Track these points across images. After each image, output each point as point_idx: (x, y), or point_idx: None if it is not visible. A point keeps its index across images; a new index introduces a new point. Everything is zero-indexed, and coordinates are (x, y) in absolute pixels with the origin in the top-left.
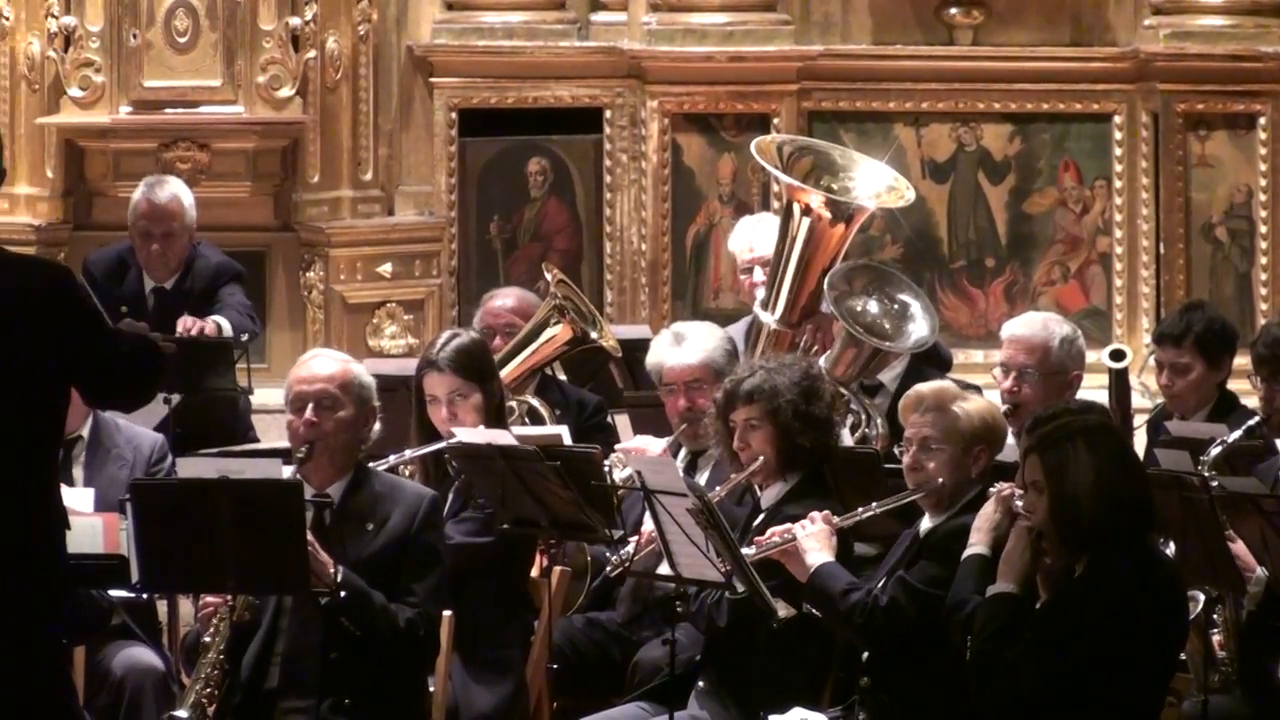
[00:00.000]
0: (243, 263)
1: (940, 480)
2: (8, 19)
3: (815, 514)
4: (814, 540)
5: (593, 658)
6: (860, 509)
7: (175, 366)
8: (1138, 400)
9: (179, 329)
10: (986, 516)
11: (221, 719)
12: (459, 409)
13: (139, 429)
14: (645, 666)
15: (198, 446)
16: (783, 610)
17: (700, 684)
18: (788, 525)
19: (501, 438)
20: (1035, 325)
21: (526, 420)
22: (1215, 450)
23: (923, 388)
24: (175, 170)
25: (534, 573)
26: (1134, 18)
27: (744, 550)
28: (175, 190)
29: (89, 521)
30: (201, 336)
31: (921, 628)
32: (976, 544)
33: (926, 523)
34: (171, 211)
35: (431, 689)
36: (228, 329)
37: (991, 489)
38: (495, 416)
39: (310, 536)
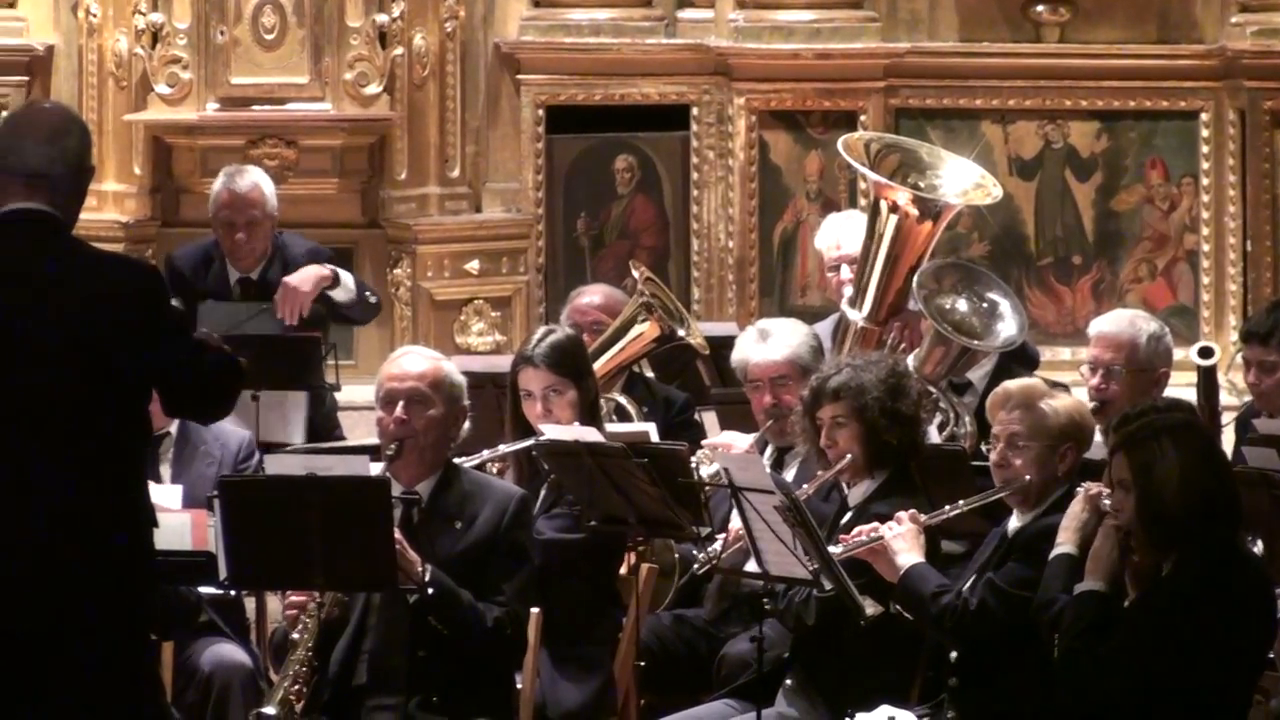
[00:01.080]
0: None
1: (1027, 477)
2: (95, 16)
3: (902, 514)
4: (903, 541)
5: (680, 654)
6: (947, 507)
7: (264, 363)
8: (1225, 398)
9: (289, 283)
10: (1074, 515)
11: (309, 716)
12: (554, 405)
13: (227, 426)
14: (731, 661)
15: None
16: (870, 608)
17: (788, 681)
18: (875, 525)
19: (589, 435)
20: (1122, 323)
21: (614, 417)
22: None
23: (1010, 385)
24: (262, 167)
25: (622, 570)
26: (1221, 15)
27: (831, 549)
28: (255, 179)
29: (177, 518)
30: (292, 333)
31: (1010, 629)
32: (1064, 543)
33: (1014, 522)
34: (253, 200)
35: (520, 685)
36: (350, 282)
37: (1079, 488)
38: (590, 413)
39: (398, 534)
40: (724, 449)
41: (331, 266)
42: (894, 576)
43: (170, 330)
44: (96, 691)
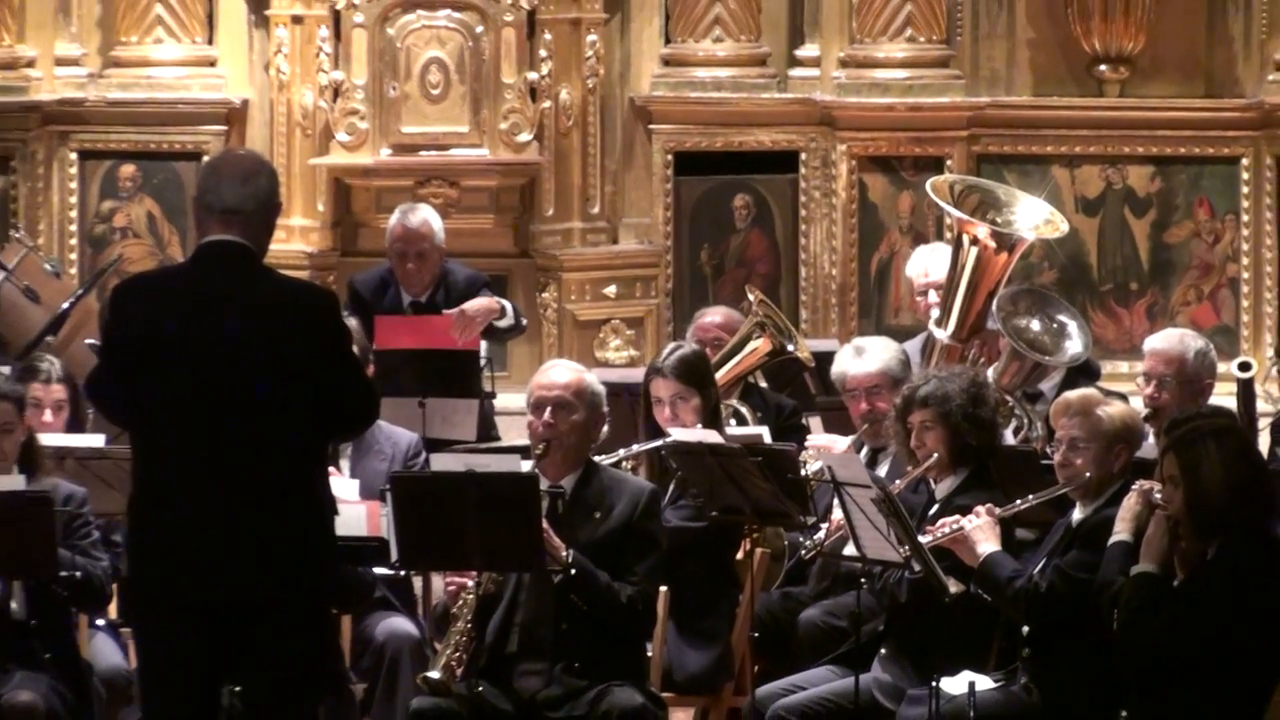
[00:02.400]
0: None
1: (1087, 475)
2: (284, 73)
3: (980, 508)
4: (982, 532)
5: (789, 627)
6: (1019, 501)
7: (430, 373)
8: (1261, 405)
9: (466, 309)
10: (1129, 508)
11: (467, 679)
12: (680, 410)
13: (397, 429)
14: (807, 626)
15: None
16: (953, 587)
17: (882, 650)
18: (957, 517)
19: (711, 437)
20: (1173, 340)
21: (732, 421)
22: None
23: (1070, 395)
24: (429, 204)
25: (739, 554)
26: (1259, 73)
27: (921, 538)
28: (425, 215)
29: (355, 509)
30: (455, 349)
31: (1075, 607)
32: (1121, 532)
33: (1077, 514)
34: (423, 234)
35: (650, 653)
36: (510, 311)
37: (1133, 486)
38: (711, 418)
39: (545, 523)
40: (826, 449)
41: (497, 298)
42: (974, 562)
43: (342, 349)
44: (287, 658)
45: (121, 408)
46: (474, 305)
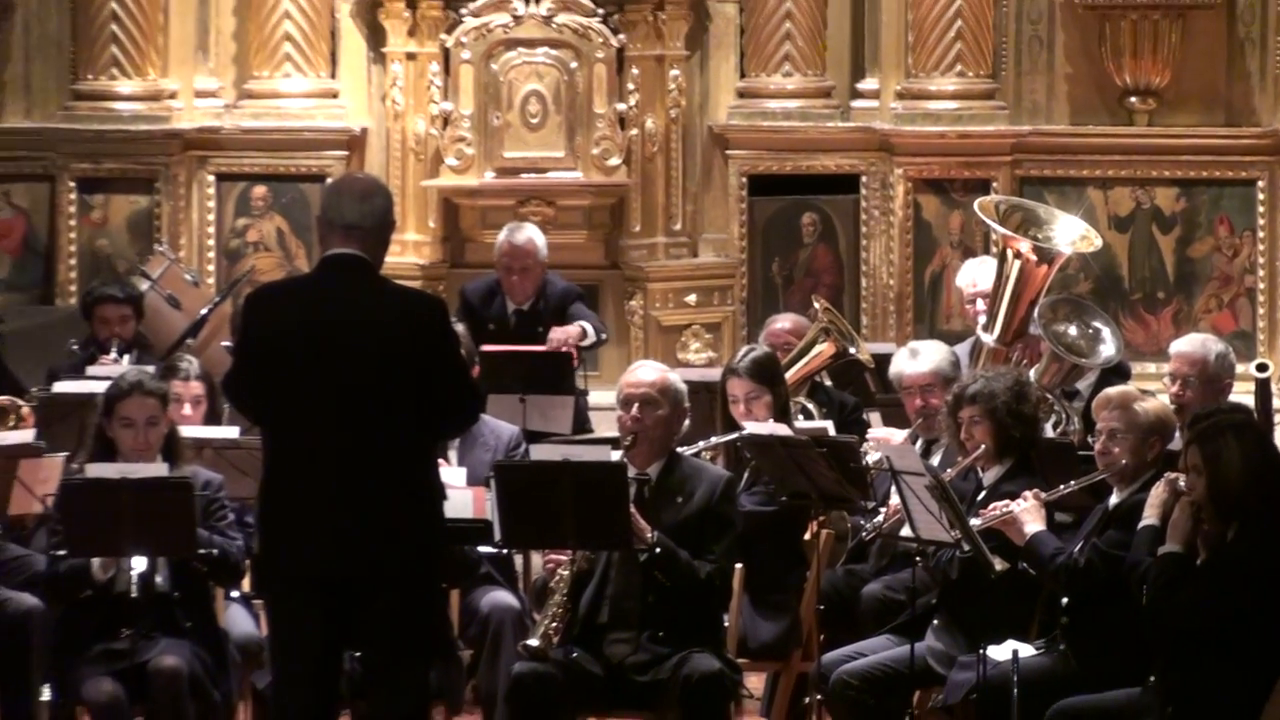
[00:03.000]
0: None
1: (1124, 462)
2: (399, 104)
3: (1028, 493)
4: (1029, 514)
5: (851, 600)
6: (1062, 485)
7: (530, 373)
8: (1276, 403)
9: (553, 338)
10: (1156, 495)
11: (563, 646)
12: (753, 407)
13: (500, 423)
14: (868, 599)
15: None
16: (999, 565)
17: (935, 621)
18: (1006, 501)
19: (781, 430)
20: (1196, 344)
21: (800, 416)
22: None
23: (1111, 390)
24: (531, 222)
25: (806, 535)
26: (1274, 104)
27: (972, 521)
28: (530, 234)
29: (462, 494)
30: (554, 350)
31: (1110, 582)
32: (1149, 517)
33: (1114, 498)
34: (528, 251)
35: (726, 623)
36: (591, 332)
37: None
38: (781, 413)
39: (632, 507)
40: (885, 441)
41: (580, 322)
42: (1021, 541)
43: (453, 354)
44: (402, 627)
45: (253, 403)
46: (557, 336)
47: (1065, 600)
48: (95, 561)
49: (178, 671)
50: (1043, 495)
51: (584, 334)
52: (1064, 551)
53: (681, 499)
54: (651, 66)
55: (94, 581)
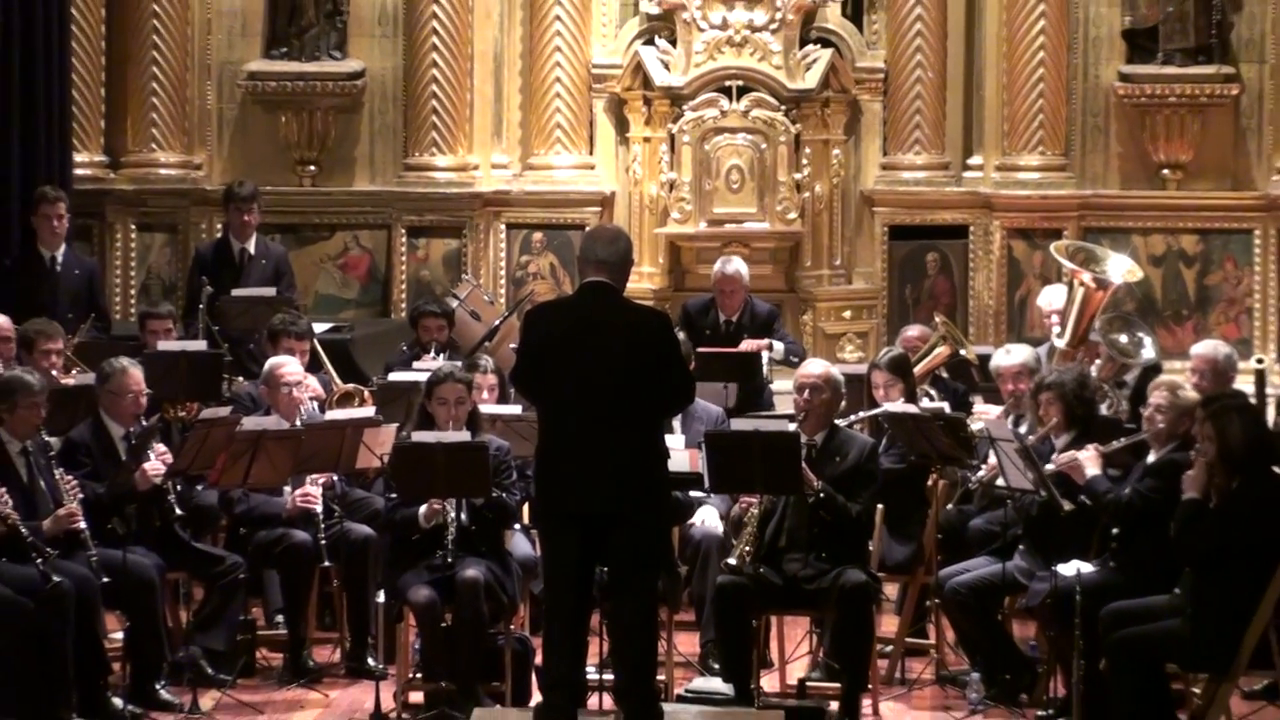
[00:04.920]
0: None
1: (1161, 428)
2: (637, 173)
3: (1089, 446)
4: (1090, 462)
5: (961, 531)
6: (1114, 442)
7: (731, 370)
8: (1269, 390)
9: (745, 345)
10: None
11: (753, 564)
12: (890, 392)
13: (708, 404)
14: (972, 531)
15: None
16: (1067, 506)
17: (1020, 547)
18: (1072, 452)
19: (910, 409)
20: (1210, 347)
21: (925, 399)
22: None
23: (1166, 378)
24: (738, 256)
25: (929, 483)
26: (1267, 175)
27: (1047, 467)
28: (737, 266)
29: (682, 454)
30: (747, 352)
31: (1146, 516)
32: (1189, 489)
33: (1151, 456)
34: (735, 279)
35: (870, 548)
36: (780, 349)
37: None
38: (910, 397)
39: (804, 464)
40: (985, 416)
41: (770, 339)
42: (1082, 480)
43: (676, 354)
44: (638, 548)
45: (532, 390)
46: (749, 344)
47: (1115, 530)
48: (421, 513)
49: (477, 580)
50: (1100, 448)
51: (770, 347)
52: (1114, 491)
53: (839, 458)
54: (819, 147)
55: (420, 528)
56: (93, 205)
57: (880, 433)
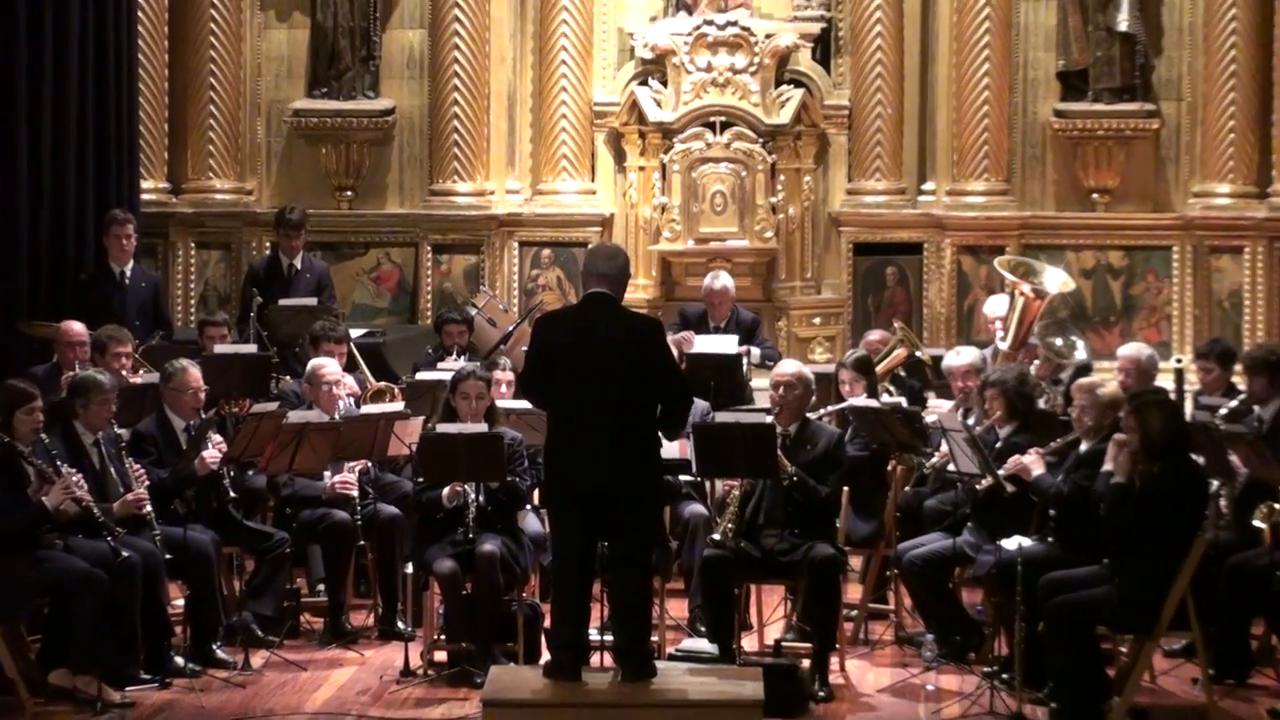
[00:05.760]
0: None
1: (1088, 424)
2: (634, 198)
3: (1033, 450)
4: (1034, 465)
5: (917, 509)
6: (1051, 444)
7: (711, 373)
8: (1186, 388)
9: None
10: (1113, 455)
11: (735, 539)
12: (855, 389)
13: (696, 400)
14: (928, 510)
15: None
16: (1009, 488)
17: (969, 524)
18: (1018, 457)
19: (872, 404)
20: (1134, 349)
21: (885, 395)
22: (1222, 412)
23: (1084, 380)
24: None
25: (888, 468)
26: (1184, 199)
27: (1000, 471)
28: (725, 280)
29: (672, 444)
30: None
31: (1077, 501)
32: (1109, 468)
33: (1083, 447)
34: (721, 291)
35: (838, 524)
36: (756, 354)
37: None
38: (872, 393)
39: (779, 451)
40: (938, 410)
41: (749, 346)
42: (1029, 479)
43: (666, 353)
44: (635, 526)
45: (540, 388)
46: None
47: (1051, 512)
48: (444, 495)
49: (494, 554)
50: (1041, 451)
51: (748, 352)
52: (1053, 484)
53: (810, 447)
54: (793, 174)
55: (444, 508)
56: (157, 226)
57: (846, 424)
